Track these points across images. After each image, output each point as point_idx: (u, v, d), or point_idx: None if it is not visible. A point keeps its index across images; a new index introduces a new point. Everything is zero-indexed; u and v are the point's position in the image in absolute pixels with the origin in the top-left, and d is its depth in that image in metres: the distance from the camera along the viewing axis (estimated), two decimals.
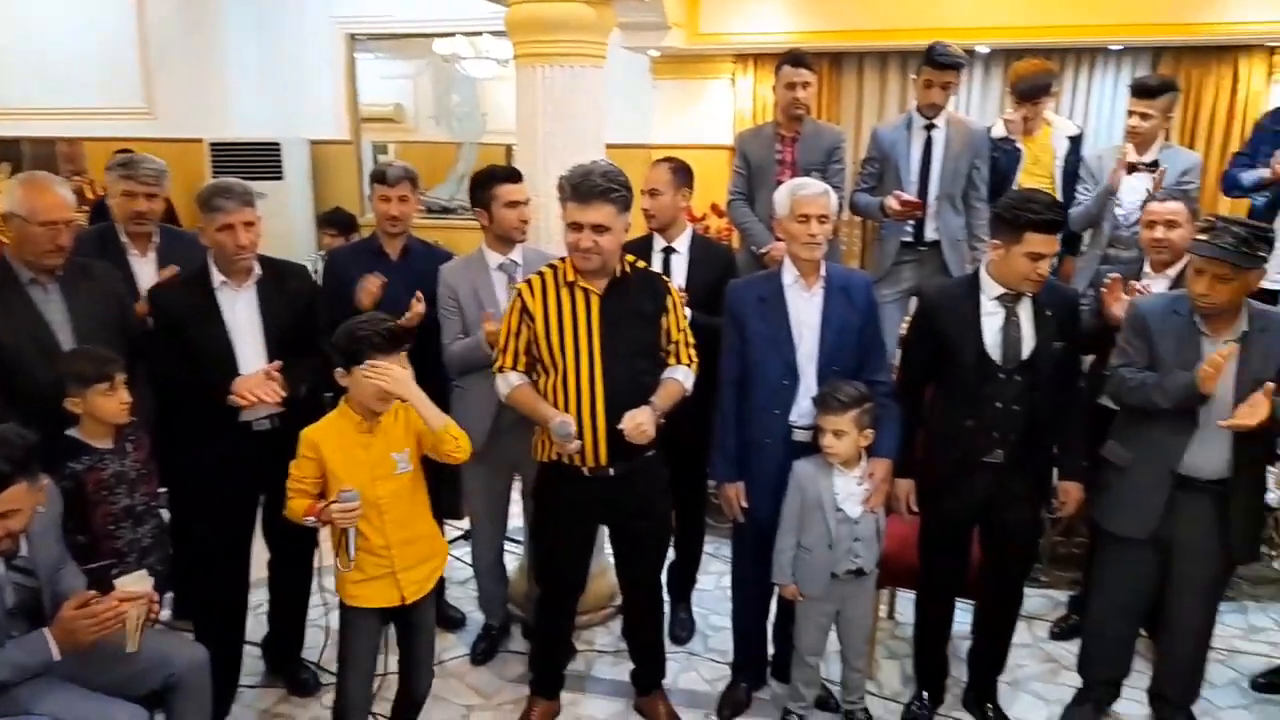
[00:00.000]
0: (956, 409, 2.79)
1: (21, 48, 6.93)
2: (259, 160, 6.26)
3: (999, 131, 4.18)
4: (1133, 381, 2.66)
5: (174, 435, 2.84)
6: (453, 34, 6.39)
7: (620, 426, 2.59)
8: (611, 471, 2.72)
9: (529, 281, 2.74)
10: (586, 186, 2.57)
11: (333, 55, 6.73)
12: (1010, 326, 2.72)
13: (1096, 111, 5.88)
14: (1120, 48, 5.68)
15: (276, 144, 6.42)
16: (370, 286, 3.15)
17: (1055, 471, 2.96)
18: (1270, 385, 2.46)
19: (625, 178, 2.65)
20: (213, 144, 6.31)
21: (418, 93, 6.89)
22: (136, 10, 6.75)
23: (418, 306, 3.11)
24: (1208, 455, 2.63)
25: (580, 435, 2.63)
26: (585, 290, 2.68)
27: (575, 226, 2.60)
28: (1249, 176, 3.90)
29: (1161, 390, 2.59)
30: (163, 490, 2.84)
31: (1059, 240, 2.69)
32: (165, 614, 3.28)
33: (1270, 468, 2.85)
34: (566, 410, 2.65)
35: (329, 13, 6.65)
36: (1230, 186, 4.04)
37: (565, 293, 2.69)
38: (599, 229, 2.58)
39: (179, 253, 3.24)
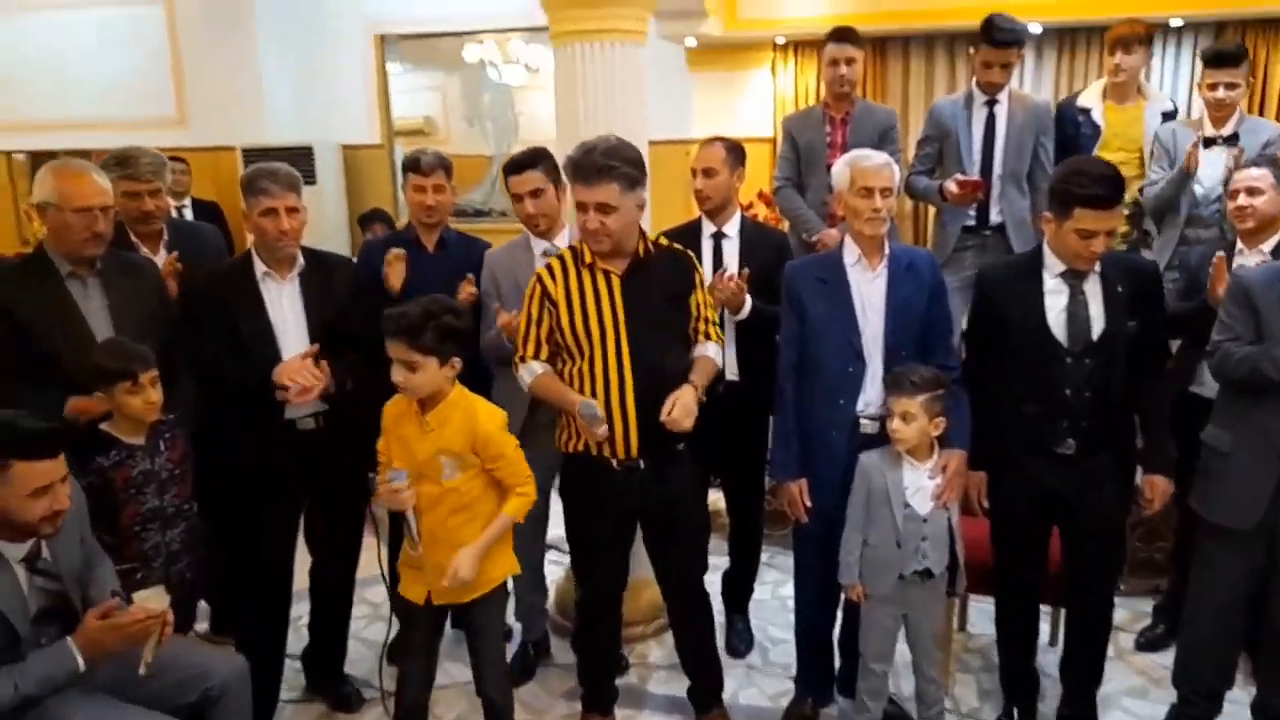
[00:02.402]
0: (1021, 395, 2.59)
1: (52, 62, 6.91)
2: (291, 165, 6.15)
3: (1083, 101, 3.93)
4: (1237, 355, 2.44)
5: (216, 435, 2.73)
6: (482, 33, 6.28)
7: (664, 415, 2.44)
8: (642, 464, 2.57)
9: (549, 266, 2.62)
10: (587, 165, 2.44)
11: (363, 58, 6.65)
12: (1076, 305, 2.52)
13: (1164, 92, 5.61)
14: (1181, 23, 5.42)
15: (309, 148, 6.35)
16: (394, 264, 3.01)
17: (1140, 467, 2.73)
18: None
19: (634, 153, 2.50)
20: (245, 150, 6.25)
21: (447, 104, 6.81)
22: (166, 20, 6.73)
23: (468, 287, 2.99)
24: None
25: (611, 424, 2.50)
26: (605, 271, 2.55)
27: (581, 207, 2.49)
28: None
29: (1273, 360, 2.37)
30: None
31: (1117, 216, 2.46)
32: (202, 626, 3.20)
33: None
34: (594, 398, 2.52)
35: (359, 15, 6.58)
36: None
37: (586, 275, 2.57)
38: (603, 208, 2.45)
39: (191, 247, 3.15)
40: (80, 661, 2.03)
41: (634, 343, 2.52)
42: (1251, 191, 2.88)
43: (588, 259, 2.56)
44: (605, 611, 2.83)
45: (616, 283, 2.55)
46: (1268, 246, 2.91)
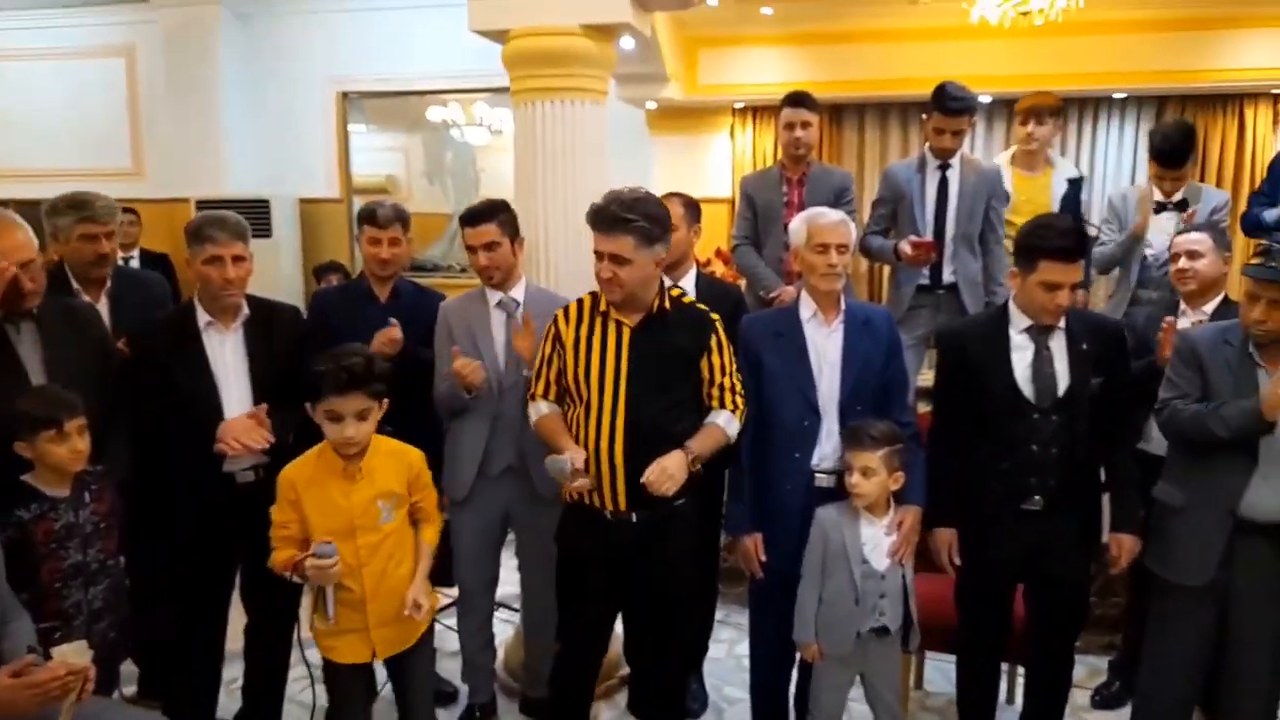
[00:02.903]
0: (990, 452, 2.60)
1: (10, 109, 6.87)
2: (246, 218, 6.07)
3: None
4: (1186, 413, 2.47)
5: (151, 489, 2.63)
6: (445, 92, 6.33)
7: (644, 477, 2.39)
8: (634, 518, 2.50)
9: (566, 309, 2.61)
10: (605, 214, 2.44)
11: (324, 113, 6.66)
12: (1041, 361, 2.55)
13: (1102, 160, 5.82)
14: (1124, 96, 5.63)
15: (266, 201, 6.31)
16: (384, 338, 2.95)
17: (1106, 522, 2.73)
18: None
19: (657, 210, 2.49)
20: (200, 201, 6.18)
21: (410, 162, 6.83)
22: (126, 71, 6.73)
23: (392, 332, 2.93)
24: (1268, 495, 2.43)
25: (600, 475, 2.46)
26: (618, 322, 2.53)
27: (597, 255, 2.48)
28: (1272, 214, 3.78)
29: (1220, 419, 2.40)
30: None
31: (1079, 270, 2.52)
32: (130, 689, 3.04)
33: None
34: (585, 447, 2.47)
35: (322, 72, 6.61)
36: (1253, 226, 3.91)
37: (599, 323, 2.54)
38: (617, 260, 2.43)
39: (134, 296, 3.08)
40: None
41: (631, 396, 2.48)
42: (1192, 255, 2.98)
43: (603, 307, 2.54)
44: (584, 673, 2.72)
45: (627, 335, 2.52)
46: (1209, 307, 2.99)
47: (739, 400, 2.61)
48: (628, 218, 2.41)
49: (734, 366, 2.62)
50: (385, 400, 2.35)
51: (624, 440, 2.45)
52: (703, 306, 2.68)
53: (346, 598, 2.31)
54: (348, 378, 2.24)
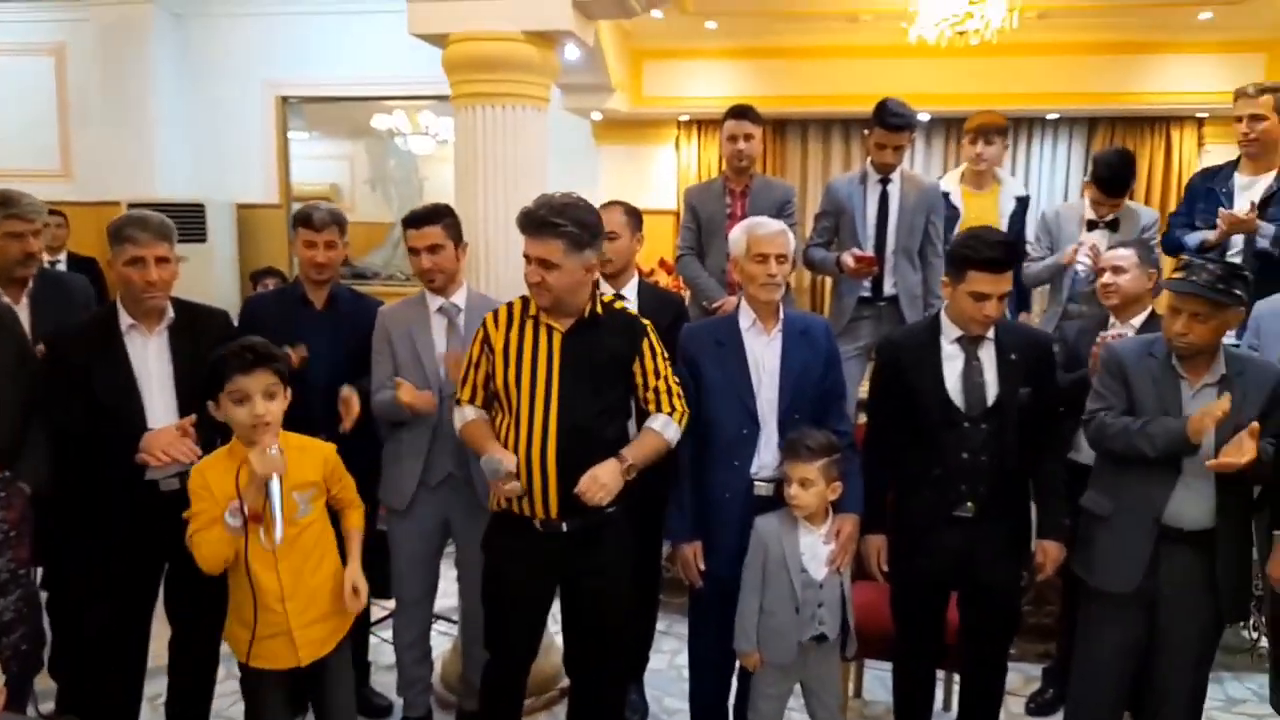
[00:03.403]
0: (922, 459, 2.63)
1: None
2: (180, 222, 5.93)
3: (943, 185, 4.13)
4: (1113, 428, 2.52)
5: (68, 496, 2.54)
6: (387, 99, 6.28)
7: (577, 488, 2.35)
8: (565, 527, 2.47)
9: (496, 312, 2.57)
10: (534, 218, 2.40)
11: (263, 118, 6.57)
12: (971, 370, 2.60)
13: (1035, 179, 5.97)
14: (1057, 116, 5.78)
15: (200, 205, 6.19)
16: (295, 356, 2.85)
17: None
18: (1255, 426, 2.35)
19: (588, 215, 2.45)
20: (131, 205, 6.01)
21: (354, 171, 6.75)
22: (56, 70, 6.55)
23: (301, 351, 2.85)
24: (1191, 504, 2.49)
25: (530, 482, 2.41)
26: (549, 327, 2.49)
27: (526, 259, 2.44)
28: (1193, 238, 3.88)
29: (1147, 438, 2.45)
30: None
31: (1008, 280, 2.55)
32: (47, 706, 2.93)
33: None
34: (515, 453, 2.42)
35: (260, 75, 6.50)
36: (1174, 249, 4.01)
37: (530, 327, 2.50)
38: (545, 264, 2.40)
39: (57, 298, 2.99)
40: None
41: (563, 402, 2.44)
42: (1116, 270, 3.06)
43: (533, 311, 2.50)
44: (513, 681, 2.68)
45: (558, 340, 2.48)
46: (1136, 321, 3.06)
47: (678, 402, 2.58)
48: (556, 222, 2.38)
49: (669, 370, 2.60)
50: (289, 389, 2.29)
51: (556, 446, 2.42)
52: (633, 311, 2.67)
53: (267, 599, 2.24)
54: (252, 356, 2.19)
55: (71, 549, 2.53)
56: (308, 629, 2.29)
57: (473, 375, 2.56)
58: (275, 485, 2.16)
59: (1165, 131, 5.65)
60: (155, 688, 2.82)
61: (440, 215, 2.88)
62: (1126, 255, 3.07)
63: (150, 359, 2.60)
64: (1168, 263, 3.55)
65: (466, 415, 2.57)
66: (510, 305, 2.57)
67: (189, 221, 6.09)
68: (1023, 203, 4.16)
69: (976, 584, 2.66)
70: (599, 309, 2.54)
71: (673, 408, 2.57)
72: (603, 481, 2.37)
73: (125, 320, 2.59)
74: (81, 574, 2.60)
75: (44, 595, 2.75)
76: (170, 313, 2.64)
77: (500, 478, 2.38)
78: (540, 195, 2.48)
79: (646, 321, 2.62)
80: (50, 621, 2.70)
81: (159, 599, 2.72)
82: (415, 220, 2.89)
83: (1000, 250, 2.50)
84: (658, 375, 2.57)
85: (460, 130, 3.16)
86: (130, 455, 2.47)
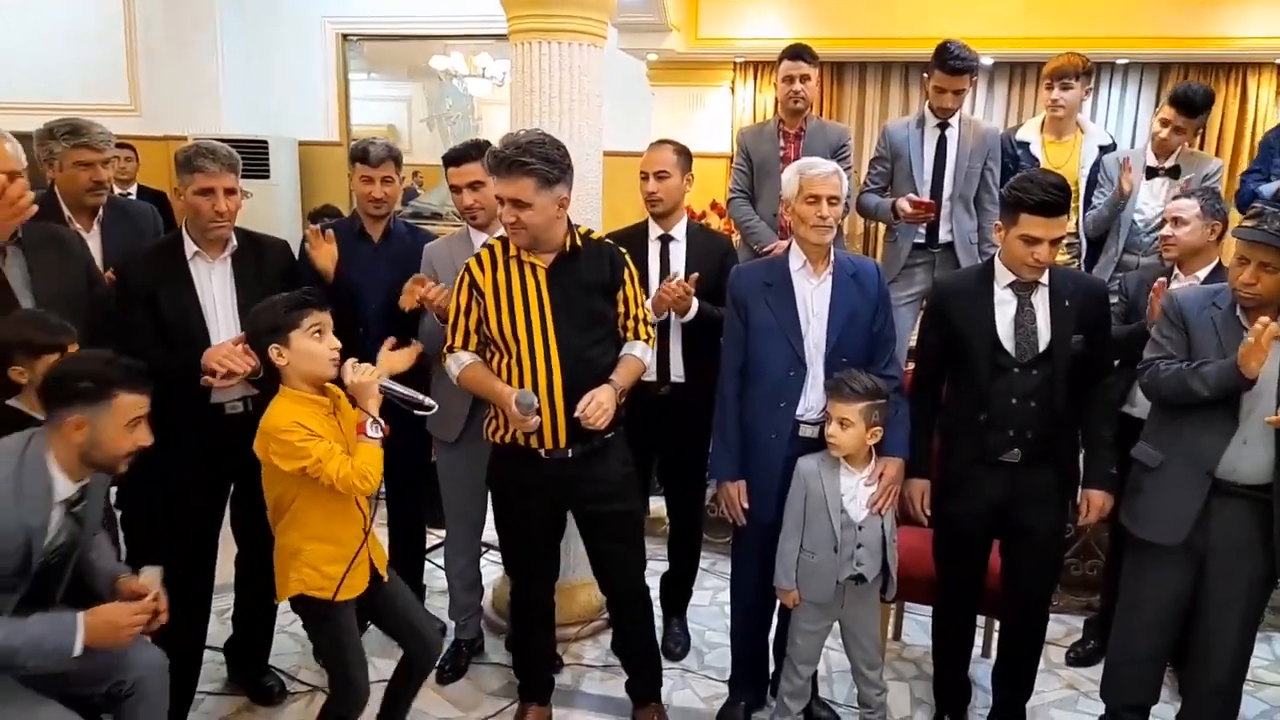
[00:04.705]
0: (970, 404, 2.62)
1: (6, 42, 6.81)
2: (245, 158, 6.04)
3: (1022, 135, 3.98)
4: (1168, 370, 2.48)
5: None
6: (446, 38, 6.28)
7: (578, 410, 2.44)
8: (570, 454, 2.55)
9: (478, 256, 2.59)
10: (502, 158, 2.40)
11: (324, 56, 6.63)
12: (1024, 316, 2.57)
13: (1102, 126, 5.76)
14: (1126, 61, 5.59)
15: (264, 142, 6.30)
16: (319, 245, 2.89)
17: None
18: None
19: (554, 151, 2.44)
20: (197, 140, 6.15)
21: (412, 113, 6.80)
22: (124, 6, 6.64)
23: (417, 289, 2.87)
24: (1248, 458, 2.45)
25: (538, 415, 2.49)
26: (532, 264, 2.53)
27: (499, 200, 2.46)
28: (1269, 188, 3.77)
29: (1200, 377, 2.41)
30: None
31: (1062, 225, 2.50)
32: None
33: None
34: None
35: (321, 13, 6.54)
36: (1247, 201, 3.88)
37: (515, 267, 2.54)
38: (517, 204, 2.41)
39: (125, 227, 3.07)
40: (79, 643, 1.99)
41: (560, 335, 2.50)
42: (1176, 222, 2.99)
43: (513, 251, 2.54)
44: (538, 601, 2.79)
45: (543, 275, 2.52)
46: (1201, 274, 2.98)
47: (650, 330, 2.72)
48: (524, 160, 2.38)
49: (644, 298, 2.71)
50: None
51: (561, 378, 2.49)
52: (609, 241, 2.71)
53: (354, 529, 2.32)
54: (314, 297, 2.29)
55: (142, 470, 2.64)
56: (376, 547, 2.41)
57: (464, 321, 2.59)
58: (388, 381, 2.29)
59: (1241, 78, 5.42)
60: (222, 602, 2.96)
61: (481, 151, 2.90)
62: (1188, 206, 2.98)
63: (214, 285, 2.68)
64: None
65: (463, 360, 2.61)
66: (491, 248, 2.59)
67: (253, 157, 6.21)
68: (1107, 150, 3.93)
69: (1019, 530, 2.66)
70: (579, 242, 2.57)
71: (648, 335, 2.70)
72: (601, 402, 2.45)
73: (190, 247, 2.66)
74: (153, 494, 2.71)
75: (118, 514, 2.91)
76: (233, 241, 2.72)
77: (531, 411, 2.45)
78: (505, 135, 2.49)
79: (623, 250, 2.68)
80: (125, 538, 2.84)
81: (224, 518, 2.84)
82: (455, 157, 2.92)
83: (1052, 193, 2.46)
84: (637, 304, 2.66)
85: (516, 66, 3.17)
86: (196, 378, 2.55)
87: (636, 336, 2.68)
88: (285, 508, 2.31)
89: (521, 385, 2.50)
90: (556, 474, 2.57)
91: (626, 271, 2.64)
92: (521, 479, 2.61)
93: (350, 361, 2.27)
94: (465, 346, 2.61)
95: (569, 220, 2.56)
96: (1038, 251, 2.48)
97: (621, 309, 2.64)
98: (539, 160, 2.39)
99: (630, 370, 2.61)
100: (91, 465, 2.09)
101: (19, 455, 2.02)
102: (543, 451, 2.55)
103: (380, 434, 2.25)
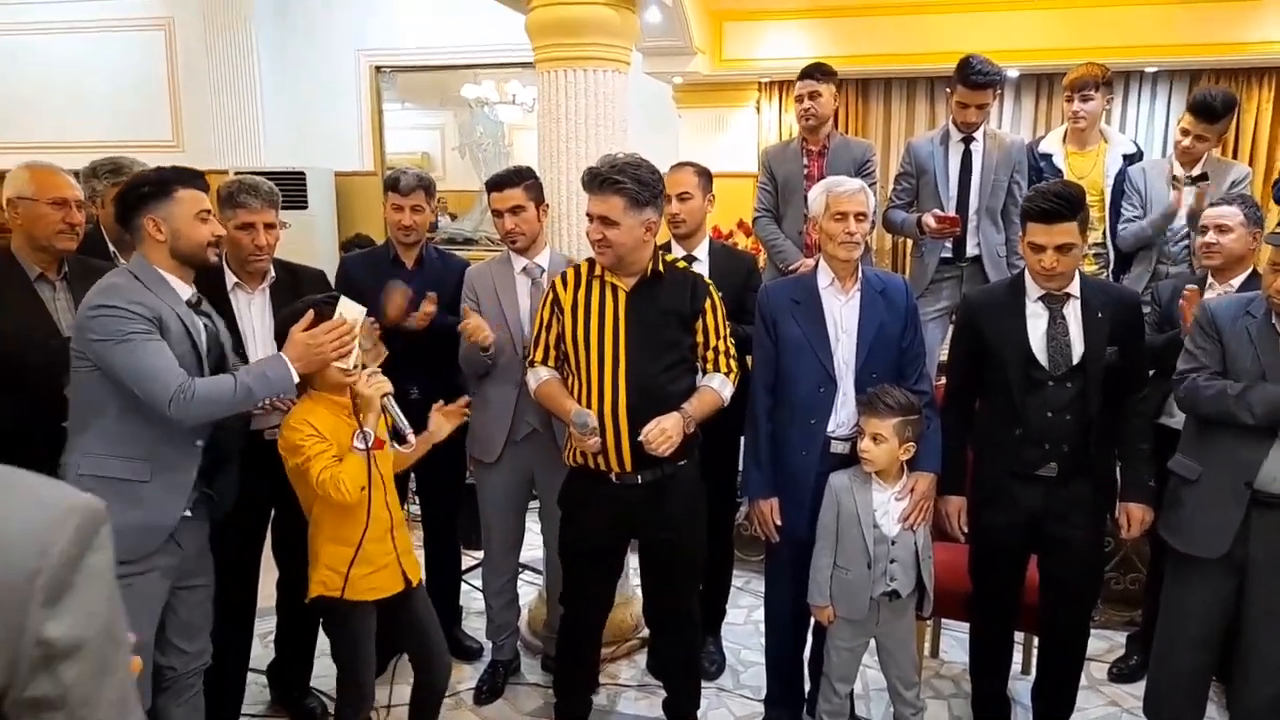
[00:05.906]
0: (1004, 418, 2.62)
1: (51, 82, 7.04)
2: (283, 190, 6.17)
3: (1045, 147, 3.95)
4: (1208, 391, 2.43)
5: None
6: (477, 67, 6.39)
7: (642, 435, 2.45)
8: (639, 479, 2.56)
9: (564, 274, 2.66)
10: (597, 175, 2.48)
11: (358, 87, 6.77)
12: (1056, 329, 2.56)
13: (1130, 135, 5.71)
14: (1155, 70, 5.54)
15: (302, 173, 6.42)
16: (396, 298, 2.99)
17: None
18: None
19: (649, 174, 2.52)
20: (238, 173, 6.29)
21: (445, 140, 6.93)
22: (165, 44, 6.87)
23: (428, 306, 2.99)
24: None
25: (604, 437, 2.51)
26: (614, 286, 2.58)
27: (589, 217, 2.53)
28: None
29: (1245, 405, 2.36)
30: None
31: (1063, 232, 2.48)
32: None
33: None
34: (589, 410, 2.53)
35: (355, 46, 6.69)
36: None
37: (597, 287, 2.59)
38: (605, 221, 2.48)
39: None
40: (294, 371, 2.21)
41: (630, 358, 2.54)
42: (1221, 229, 2.93)
43: (598, 271, 2.59)
44: (590, 625, 2.80)
45: (623, 298, 2.57)
46: (1236, 282, 2.94)
47: (732, 364, 2.68)
48: (616, 179, 2.45)
49: (728, 330, 2.68)
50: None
51: (626, 401, 2.51)
52: (696, 271, 2.74)
53: (378, 531, 2.37)
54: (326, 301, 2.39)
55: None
56: (408, 555, 2.47)
57: (544, 336, 2.65)
58: (391, 402, 2.35)
59: (1276, 83, 5.36)
60: (264, 625, 3.02)
61: (522, 177, 2.97)
62: (1232, 213, 2.93)
63: (253, 315, 2.75)
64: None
65: (540, 375, 2.66)
66: (578, 267, 2.66)
67: (291, 188, 6.33)
68: (1131, 160, 3.88)
69: (1057, 544, 2.64)
70: (661, 268, 2.61)
71: (729, 368, 2.66)
72: (666, 429, 2.45)
73: (230, 279, 2.74)
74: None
75: None
76: (272, 273, 2.79)
77: (588, 431, 2.47)
78: (604, 155, 2.56)
79: (709, 281, 2.69)
80: None
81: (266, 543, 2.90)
82: (497, 183, 2.98)
83: (1052, 201, 2.47)
84: (719, 335, 2.65)
85: (543, 94, 3.23)
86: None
87: (717, 368, 2.65)
88: (309, 511, 2.41)
89: (588, 405, 2.54)
90: (624, 498, 2.59)
91: (709, 301, 2.64)
92: (589, 500, 2.64)
93: (366, 370, 2.33)
94: (545, 361, 2.66)
95: (655, 246, 2.61)
96: (1042, 259, 2.49)
97: (700, 339, 2.64)
98: (631, 181, 2.46)
99: (705, 401, 2.60)
100: (182, 260, 2.25)
101: (128, 272, 2.23)
102: (613, 476, 2.58)
103: (365, 446, 2.29)
